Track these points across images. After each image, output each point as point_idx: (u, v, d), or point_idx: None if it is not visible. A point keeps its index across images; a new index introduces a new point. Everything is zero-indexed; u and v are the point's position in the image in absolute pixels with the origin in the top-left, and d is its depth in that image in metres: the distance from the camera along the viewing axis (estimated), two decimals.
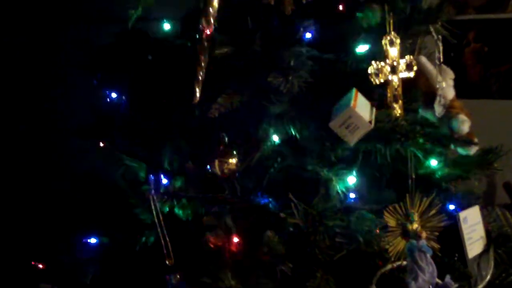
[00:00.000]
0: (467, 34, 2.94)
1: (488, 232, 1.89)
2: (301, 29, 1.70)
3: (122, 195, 1.88)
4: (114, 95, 1.93)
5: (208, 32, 1.67)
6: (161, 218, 1.72)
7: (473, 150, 1.85)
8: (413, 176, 1.75)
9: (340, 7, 1.72)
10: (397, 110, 1.73)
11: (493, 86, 2.92)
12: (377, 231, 1.72)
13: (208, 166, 1.72)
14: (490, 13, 2.91)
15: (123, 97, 1.91)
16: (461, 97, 1.90)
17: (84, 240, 1.92)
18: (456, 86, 1.88)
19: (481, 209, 1.93)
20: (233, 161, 1.71)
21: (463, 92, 1.95)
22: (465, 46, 2.94)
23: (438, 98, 1.78)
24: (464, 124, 1.81)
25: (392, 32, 1.71)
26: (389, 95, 1.73)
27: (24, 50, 2.94)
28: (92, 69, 1.90)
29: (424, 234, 1.73)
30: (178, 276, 1.80)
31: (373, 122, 1.65)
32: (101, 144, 1.92)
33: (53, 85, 2.83)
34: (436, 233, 1.75)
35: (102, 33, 1.91)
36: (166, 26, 1.96)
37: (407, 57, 1.72)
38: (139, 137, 1.85)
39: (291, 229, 1.67)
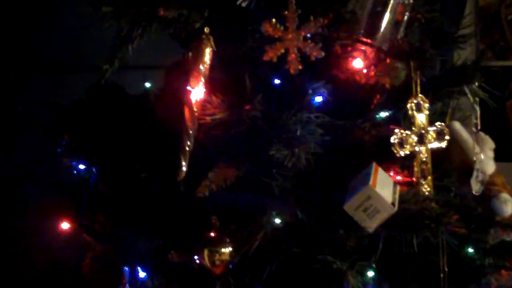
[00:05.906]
0: (509, 84, 2.77)
1: None
2: (310, 91, 1.59)
3: None
4: (81, 166, 1.80)
5: (197, 93, 1.55)
6: None
7: None
8: (446, 269, 1.64)
9: (356, 65, 1.58)
10: (426, 188, 1.62)
11: None
12: None
13: (196, 257, 1.59)
14: None
15: (93, 169, 1.78)
16: (502, 160, 1.83)
17: None
18: (496, 148, 1.79)
19: None
20: (226, 250, 1.58)
21: (505, 155, 1.89)
22: (507, 98, 2.74)
23: (475, 173, 1.69)
24: (507, 204, 1.73)
25: (420, 95, 1.61)
26: (416, 169, 1.63)
27: None
28: (56, 133, 1.76)
29: None
30: None
31: (396, 204, 1.53)
32: (65, 226, 1.75)
33: (9, 149, 2.63)
34: None
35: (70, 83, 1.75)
36: (147, 84, 1.84)
37: (437, 124, 1.63)
38: (111, 218, 1.71)
39: None
